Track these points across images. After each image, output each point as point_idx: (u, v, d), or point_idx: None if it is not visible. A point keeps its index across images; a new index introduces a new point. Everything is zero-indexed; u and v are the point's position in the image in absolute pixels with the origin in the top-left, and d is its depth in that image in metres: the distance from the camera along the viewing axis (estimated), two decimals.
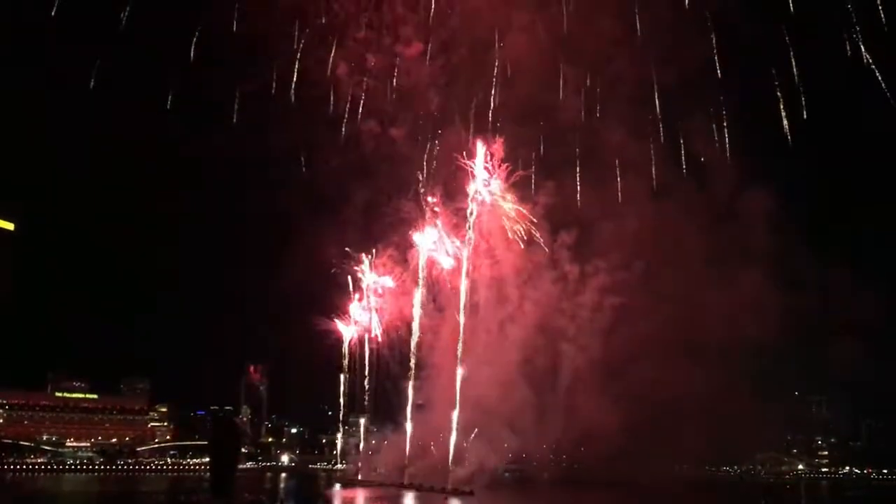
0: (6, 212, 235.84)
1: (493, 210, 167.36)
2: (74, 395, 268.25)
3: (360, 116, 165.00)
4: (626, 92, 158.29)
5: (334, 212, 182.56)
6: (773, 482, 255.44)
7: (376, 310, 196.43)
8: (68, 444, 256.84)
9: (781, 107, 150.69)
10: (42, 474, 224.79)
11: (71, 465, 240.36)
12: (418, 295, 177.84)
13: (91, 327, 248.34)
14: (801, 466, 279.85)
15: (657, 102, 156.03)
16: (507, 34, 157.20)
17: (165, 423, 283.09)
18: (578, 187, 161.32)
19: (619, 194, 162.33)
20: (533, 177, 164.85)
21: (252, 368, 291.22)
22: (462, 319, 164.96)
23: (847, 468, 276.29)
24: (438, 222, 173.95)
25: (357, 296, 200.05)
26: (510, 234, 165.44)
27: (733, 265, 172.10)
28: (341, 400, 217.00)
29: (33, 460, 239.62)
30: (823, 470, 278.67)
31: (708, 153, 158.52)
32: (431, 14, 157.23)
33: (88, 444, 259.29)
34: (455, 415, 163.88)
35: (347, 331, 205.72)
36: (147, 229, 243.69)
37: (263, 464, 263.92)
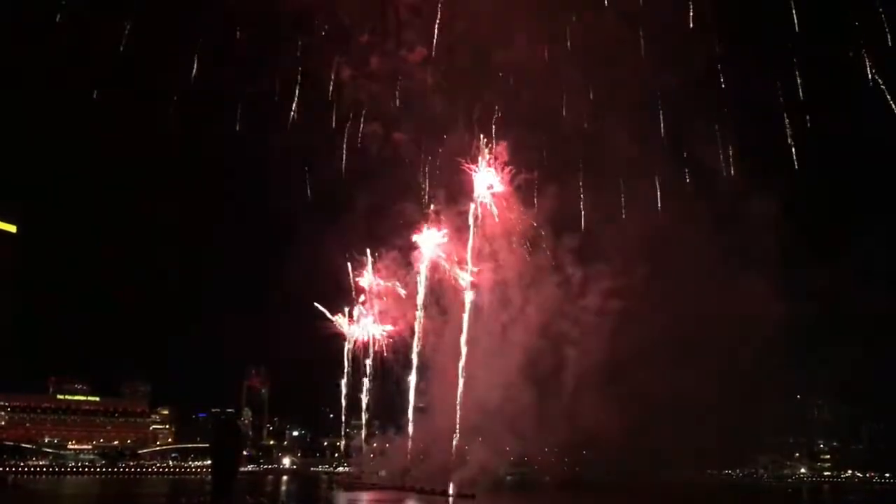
0: (8, 214, 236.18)
1: (496, 213, 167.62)
2: (76, 398, 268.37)
3: (363, 120, 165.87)
4: (629, 97, 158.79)
5: (337, 214, 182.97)
6: (774, 485, 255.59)
7: (379, 312, 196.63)
8: (70, 446, 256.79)
9: (784, 113, 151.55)
10: (43, 476, 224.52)
11: (72, 467, 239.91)
12: (420, 298, 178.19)
13: (92, 329, 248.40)
14: (802, 470, 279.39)
15: (661, 108, 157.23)
16: (510, 39, 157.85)
17: (167, 426, 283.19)
18: (582, 192, 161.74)
19: (623, 199, 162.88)
20: (536, 181, 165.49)
21: (253, 371, 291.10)
22: (465, 321, 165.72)
23: (849, 472, 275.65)
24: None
25: (359, 298, 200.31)
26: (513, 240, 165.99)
27: (736, 269, 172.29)
28: (343, 403, 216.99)
29: (35, 462, 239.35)
30: (825, 473, 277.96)
31: (711, 158, 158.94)
32: (437, 22, 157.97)
33: (90, 447, 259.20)
34: (457, 417, 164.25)
35: (349, 333, 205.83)
36: (149, 231, 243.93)
37: (265, 466, 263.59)
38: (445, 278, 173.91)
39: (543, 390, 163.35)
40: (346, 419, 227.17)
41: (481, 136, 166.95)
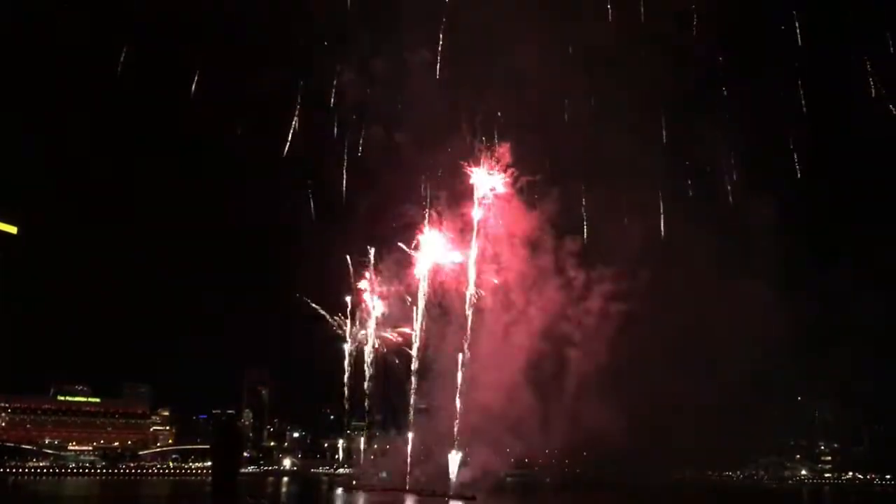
0: (9, 215, 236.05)
1: (499, 216, 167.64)
2: (76, 399, 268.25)
3: (366, 122, 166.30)
4: (632, 101, 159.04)
5: (339, 216, 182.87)
6: (774, 487, 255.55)
7: (380, 314, 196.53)
8: (70, 447, 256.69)
9: (786, 118, 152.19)
10: (44, 478, 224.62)
11: (73, 468, 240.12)
12: (420, 299, 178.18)
13: (93, 330, 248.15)
14: (803, 472, 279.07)
15: (663, 112, 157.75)
16: (513, 43, 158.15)
17: (167, 427, 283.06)
18: (584, 194, 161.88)
19: (625, 202, 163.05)
20: (538, 184, 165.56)
21: (254, 372, 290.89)
22: (468, 322, 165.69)
23: (850, 474, 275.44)
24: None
25: (360, 300, 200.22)
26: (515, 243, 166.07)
27: (737, 273, 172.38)
28: (344, 404, 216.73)
29: (35, 464, 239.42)
30: (826, 475, 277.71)
31: (713, 162, 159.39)
32: (441, 26, 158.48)
33: (90, 448, 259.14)
34: (457, 419, 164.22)
35: (350, 335, 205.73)
36: (150, 233, 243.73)
37: (265, 468, 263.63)
38: (447, 280, 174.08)
39: (545, 392, 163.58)
40: (346, 421, 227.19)
41: (483, 138, 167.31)
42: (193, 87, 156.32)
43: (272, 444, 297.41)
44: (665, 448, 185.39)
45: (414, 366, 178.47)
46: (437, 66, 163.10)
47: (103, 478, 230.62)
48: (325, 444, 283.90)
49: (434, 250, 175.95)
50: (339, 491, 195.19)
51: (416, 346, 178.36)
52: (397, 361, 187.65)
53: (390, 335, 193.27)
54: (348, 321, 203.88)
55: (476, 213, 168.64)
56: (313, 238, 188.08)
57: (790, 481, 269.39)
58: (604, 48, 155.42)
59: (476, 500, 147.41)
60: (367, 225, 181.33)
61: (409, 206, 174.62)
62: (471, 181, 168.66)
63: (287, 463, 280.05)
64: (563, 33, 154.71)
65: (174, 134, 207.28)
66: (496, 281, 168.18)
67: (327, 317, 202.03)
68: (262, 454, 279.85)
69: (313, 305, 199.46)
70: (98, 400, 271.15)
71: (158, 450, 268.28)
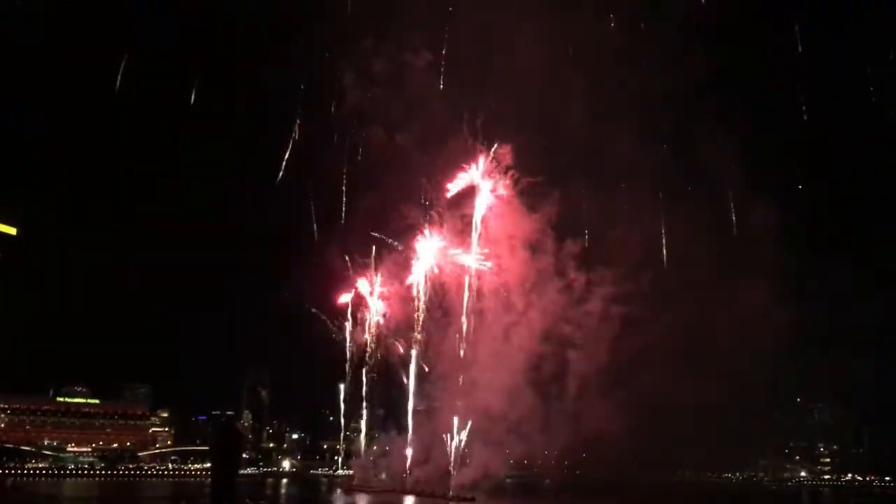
0: (8, 216, 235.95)
1: (499, 217, 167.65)
2: (76, 400, 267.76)
3: (366, 124, 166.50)
4: (633, 103, 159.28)
5: (340, 217, 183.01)
6: (774, 488, 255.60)
7: (379, 315, 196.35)
8: (69, 448, 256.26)
9: (786, 120, 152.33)
10: (43, 479, 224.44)
11: (72, 469, 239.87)
12: (420, 301, 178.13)
13: (93, 331, 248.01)
14: (803, 473, 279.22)
15: (664, 114, 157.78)
16: (514, 42, 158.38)
17: (166, 428, 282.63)
18: (585, 196, 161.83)
19: (626, 203, 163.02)
20: (539, 186, 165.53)
21: (253, 373, 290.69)
22: (465, 325, 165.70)
23: (849, 475, 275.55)
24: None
25: (360, 301, 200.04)
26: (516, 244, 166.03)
27: (737, 274, 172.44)
28: (343, 405, 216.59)
29: (34, 465, 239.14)
30: (825, 477, 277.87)
31: (714, 164, 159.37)
32: (443, 30, 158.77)
33: (89, 449, 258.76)
34: (456, 421, 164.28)
35: (350, 336, 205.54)
36: (149, 234, 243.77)
37: (264, 469, 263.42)
38: (448, 281, 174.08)
39: (546, 394, 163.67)
40: (346, 422, 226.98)
41: (484, 140, 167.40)
42: (194, 87, 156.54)
43: (271, 445, 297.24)
44: (665, 449, 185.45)
45: (414, 367, 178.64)
46: (439, 68, 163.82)
47: (102, 479, 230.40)
48: (325, 446, 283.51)
49: (434, 252, 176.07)
50: (339, 492, 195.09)
51: (416, 347, 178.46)
52: (397, 362, 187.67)
53: (390, 336, 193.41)
54: (348, 322, 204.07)
55: (477, 215, 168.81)
56: (314, 239, 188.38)
57: (789, 483, 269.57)
58: (605, 50, 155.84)
59: (475, 502, 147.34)
60: (368, 226, 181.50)
61: (410, 208, 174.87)
62: (471, 183, 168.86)
63: (286, 464, 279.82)
64: (564, 35, 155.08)
65: (174, 134, 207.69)
66: (497, 281, 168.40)
67: (327, 318, 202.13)
68: (261, 455, 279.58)
69: (315, 307, 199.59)
70: (97, 401, 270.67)
71: (158, 451, 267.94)
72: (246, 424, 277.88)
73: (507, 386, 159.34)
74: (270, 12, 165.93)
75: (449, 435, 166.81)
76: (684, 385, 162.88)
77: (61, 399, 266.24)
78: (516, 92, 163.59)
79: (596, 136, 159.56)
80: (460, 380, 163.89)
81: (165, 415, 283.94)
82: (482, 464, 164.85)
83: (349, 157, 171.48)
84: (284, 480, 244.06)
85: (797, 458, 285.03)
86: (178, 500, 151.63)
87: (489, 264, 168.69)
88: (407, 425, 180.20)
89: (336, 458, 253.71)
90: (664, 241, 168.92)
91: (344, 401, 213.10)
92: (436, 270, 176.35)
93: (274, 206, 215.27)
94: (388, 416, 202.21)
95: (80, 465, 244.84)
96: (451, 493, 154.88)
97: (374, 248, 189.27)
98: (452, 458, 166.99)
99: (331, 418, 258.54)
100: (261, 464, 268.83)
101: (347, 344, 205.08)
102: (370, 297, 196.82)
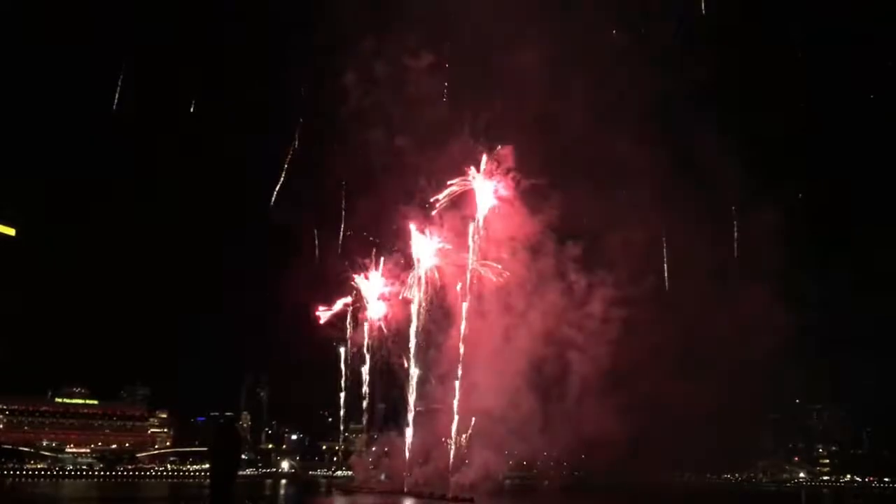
0: (7, 217, 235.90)
1: (500, 219, 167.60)
2: (74, 401, 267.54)
3: (367, 125, 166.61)
4: (634, 105, 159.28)
5: (339, 218, 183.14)
6: (774, 490, 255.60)
7: (379, 317, 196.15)
8: (68, 449, 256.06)
9: (787, 124, 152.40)
10: (42, 480, 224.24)
11: (71, 470, 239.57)
12: (415, 303, 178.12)
13: (92, 332, 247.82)
14: (802, 474, 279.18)
15: (665, 116, 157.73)
16: (515, 45, 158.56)
17: (165, 429, 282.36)
18: (586, 198, 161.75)
19: (627, 206, 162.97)
20: (540, 188, 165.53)
21: (252, 374, 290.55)
22: (463, 327, 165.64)
23: (848, 476, 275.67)
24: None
25: (360, 302, 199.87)
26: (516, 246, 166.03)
27: (738, 277, 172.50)
28: (342, 406, 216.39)
29: (33, 466, 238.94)
30: (824, 478, 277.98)
31: (715, 166, 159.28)
32: (443, 29, 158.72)
33: (88, 450, 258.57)
34: (455, 422, 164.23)
35: (349, 337, 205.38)
36: (148, 235, 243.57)
37: (263, 470, 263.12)
38: (448, 283, 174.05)
39: (547, 396, 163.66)
40: (345, 423, 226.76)
41: (485, 141, 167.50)
42: (194, 88, 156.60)
43: (270, 446, 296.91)
44: (664, 451, 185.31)
45: (413, 368, 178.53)
46: (440, 70, 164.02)
47: (101, 480, 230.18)
48: (324, 447, 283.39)
49: (435, 253, 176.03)
50: (338, 493, 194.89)
51: (415, 347, 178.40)
52: (397, 363, 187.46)
53: (390, 337, 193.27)
54: (348, 323, 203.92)
55: (477, 217, 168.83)
56: (314, 240, 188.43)
57: (789, 484, 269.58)
58: (606, 53, 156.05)
59: (474, 503, 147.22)
60: (369, 227, 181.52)
61: (411, 209, 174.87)
62: (472, 184, 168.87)
63: (285, 465, 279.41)
64: (565, 37, 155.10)
65: (174, 135, 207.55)
66: (497, 283, 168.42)
67: (326, 319, 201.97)
68: (259, 456, 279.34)
69: (315, 308, 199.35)
70: (96, 402, 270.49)
71: (156, 452, 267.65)
72: (245, 425, 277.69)
73: (507, 387, 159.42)
74: (271, 13, 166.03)
75: (448, 436, 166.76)
76: (684, 386, 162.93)
77: (60, 400, 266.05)
78: (518, 94, 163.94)
79: (597, 138, 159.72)
80: (459, 380, 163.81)
81: (164, 416, 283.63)
82: (482, 465, 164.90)
83: (350, 159, 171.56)
84: (283, 481, 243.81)
85: (796, 459, 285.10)
86: (177, 502, 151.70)
87: (490, 266, 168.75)
88: (406, 426, 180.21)
89: (335, 458, 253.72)
90: (665, 244, 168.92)
91: (343, 402, 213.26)
92: (436, 272, 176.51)
93: (274, 206, 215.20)
94: (388, 416, 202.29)
95: (78, 466, 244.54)
96: (450, 493, 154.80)
97: (374, 249, 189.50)
98: (452, 460, 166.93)
99: (329, 419, 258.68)
100: (260, 465, 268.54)
101: (347, 345, 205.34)
102: (370, 298, 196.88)
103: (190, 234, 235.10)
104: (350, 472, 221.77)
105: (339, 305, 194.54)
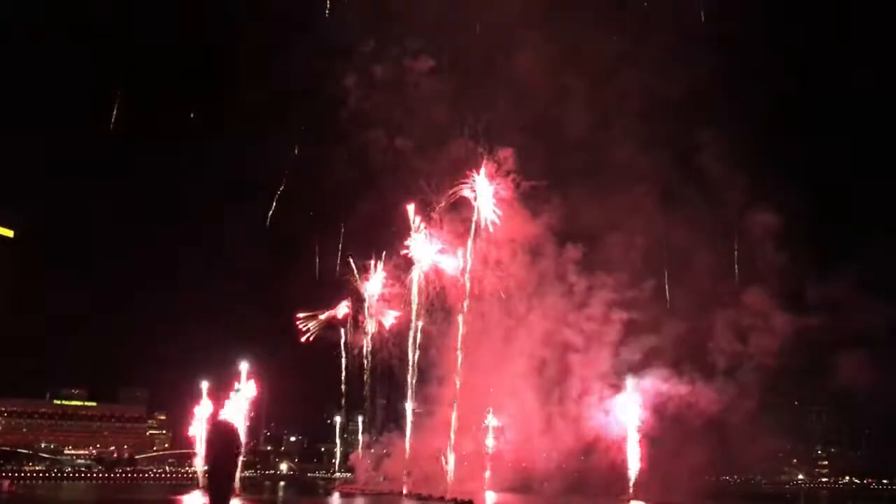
0: (6, 218, 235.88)
1: (500, 221, 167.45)
2: (73, 403, 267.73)
3: (367, 127, 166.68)
4: (634, 107, 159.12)
5: (339, 220, 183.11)
6: (773, 492, 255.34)
7: (379, 318, 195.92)
8: (66, 451, 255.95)
9: (788, 125, 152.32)
10: (40, 482, 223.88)
11: (69, 472, 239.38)
12: (414, 304, 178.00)
13: (90, 334, 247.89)
14: (800, 476, 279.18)
15: (666, 117, 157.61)
16: (515, 47, 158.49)
17: (164, 431, 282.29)
18: (586, 200, 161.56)
19: (627, 208, 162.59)
20: (540, 190, 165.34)
21: (251, 375, 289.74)
22: (461, 329, 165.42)
23: (847, 478, 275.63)
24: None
25: (359, 303, 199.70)
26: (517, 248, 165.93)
27: (739, 279, 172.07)
28: (341, 408, 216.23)
29: (31, 468, 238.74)
30: (823, 480, 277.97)
31: (715, 168, 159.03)
32: (444, 30, 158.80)
33: (87, 452, 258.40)
34: (454, 422, 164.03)
35: (349, 338, 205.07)
36: (147, 235, 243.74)
37: (262, 472, 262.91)
38: (448, 284, 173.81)
39: (547, 397, 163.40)
40: (344, 424, 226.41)
41: (485, 143, 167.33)
42: (194, 88, 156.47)
43: (268, 448, 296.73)
44: (664, 451, 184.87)
45: (412, 369, 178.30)
46: (440, 71, 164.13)
47: (100, 482, 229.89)
48: (322, 449, 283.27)
49: (435, 255, 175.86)
50: (336, 495, 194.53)
51: (415, 349, 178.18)
52: (396, 365, 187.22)
53: (389, 339, 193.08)
54: (348, 324, 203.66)
55: (477, 219, 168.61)
56: (313, 241, 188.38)
57: (787, 486, 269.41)
58: (607, 54, 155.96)
59: None
60: (368, 229, 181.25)
61: (411, 211, 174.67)
62: (472, 186, 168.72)
63: (283, 467, 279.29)
64: (565, 39, 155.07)
65: (174, 136, 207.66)
66: (497, 285, 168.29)
67: (326, 320, 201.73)
68: (258, 458, 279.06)
69: (315, 308, 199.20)
70: (94, 404, 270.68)
71: (155, 454, 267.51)
72: (243, 427, 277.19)
73: (507, 389, 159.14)
74: (271, 14, 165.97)
75: (448, 437, 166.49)
76: (684, 387, 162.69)
77: (58, 402, 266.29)
78: (518, 96, 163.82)
79: (597, 140, 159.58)
80: (459, 381, 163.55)
81: (163, 417, 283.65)
82: (481, 466, 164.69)
83: (350, 161, 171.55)
84: (282, 483, 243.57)
85: (795, 461, 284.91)
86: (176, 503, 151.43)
87: (489, 268, 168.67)
88: (405, 428, 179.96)
89: (333, 460, 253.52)
90: (665, 247, 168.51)
91: (342, 403, 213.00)
92: (435, 274, 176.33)
93: (273, 208, 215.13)
94: (387, 418, 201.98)
95: (77, 468, 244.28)
96: (448, 495, 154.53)
97: (373, 251, 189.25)
98: (451, 461, 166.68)
99: (328, 421, 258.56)
100: (258, 466, 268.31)
101: (346, 346, 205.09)
102: (369, 300, 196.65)
103: (190, 233, 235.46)
104: (349, 474, 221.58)
105: (341, 308, 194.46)
